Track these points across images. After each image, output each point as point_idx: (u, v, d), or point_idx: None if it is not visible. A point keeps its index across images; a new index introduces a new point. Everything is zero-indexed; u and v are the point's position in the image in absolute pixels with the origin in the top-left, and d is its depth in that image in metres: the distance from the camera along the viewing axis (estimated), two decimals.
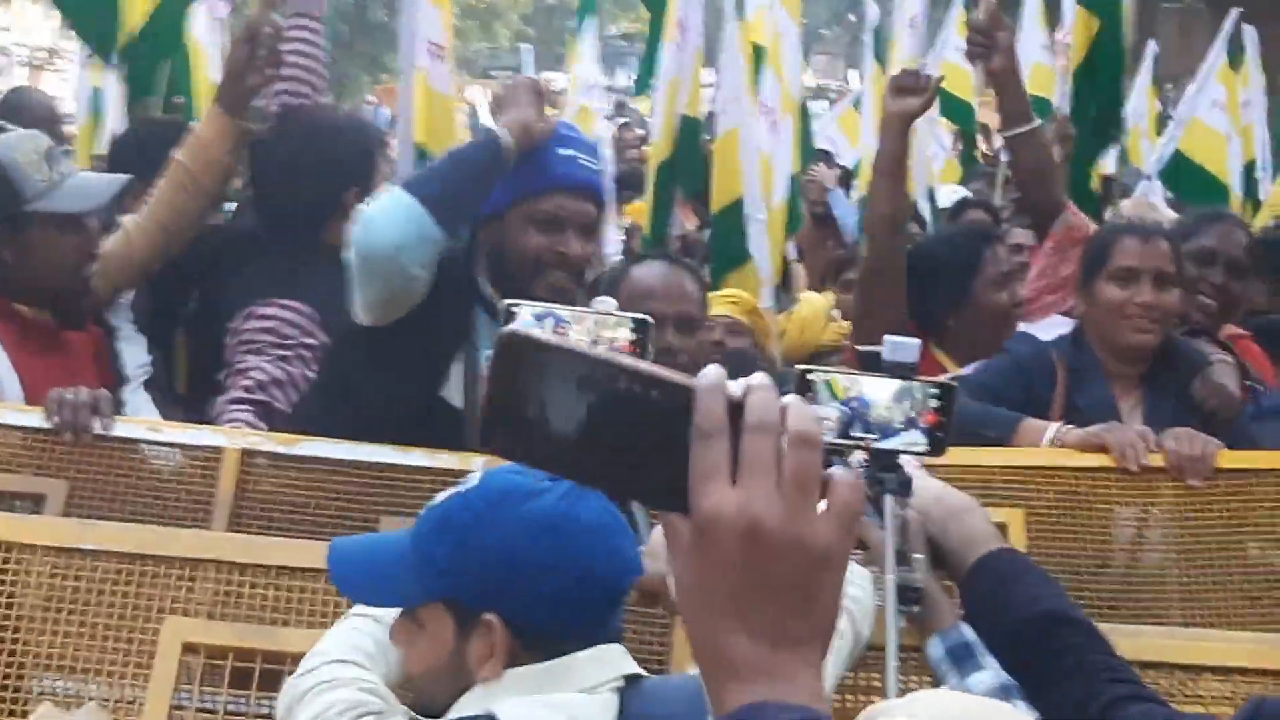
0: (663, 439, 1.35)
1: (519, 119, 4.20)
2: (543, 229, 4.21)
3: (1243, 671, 3.12)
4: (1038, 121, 5.53)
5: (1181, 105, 10.09)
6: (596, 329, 3.29)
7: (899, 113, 5.17)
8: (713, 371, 1.35)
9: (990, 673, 2.97)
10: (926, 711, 1.94)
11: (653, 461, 1.36)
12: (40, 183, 4.47)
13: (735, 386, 1.36)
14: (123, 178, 4.71)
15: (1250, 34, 11.34)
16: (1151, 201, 8.84)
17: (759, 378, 1.37)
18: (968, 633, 3.05)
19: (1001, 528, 4.06)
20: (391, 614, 2.75)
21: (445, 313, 4.16)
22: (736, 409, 1.36)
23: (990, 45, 5.20)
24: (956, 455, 4.43)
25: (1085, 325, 4.85)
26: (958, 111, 11.00)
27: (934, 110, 8.77)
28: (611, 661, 2.56)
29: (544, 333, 1.41)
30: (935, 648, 3.04)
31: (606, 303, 3.36)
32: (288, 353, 4.75)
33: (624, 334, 3.30)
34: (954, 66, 10.19)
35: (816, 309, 7.21)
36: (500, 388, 1.36)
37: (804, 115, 10.78)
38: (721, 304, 6.27)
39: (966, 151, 12.88)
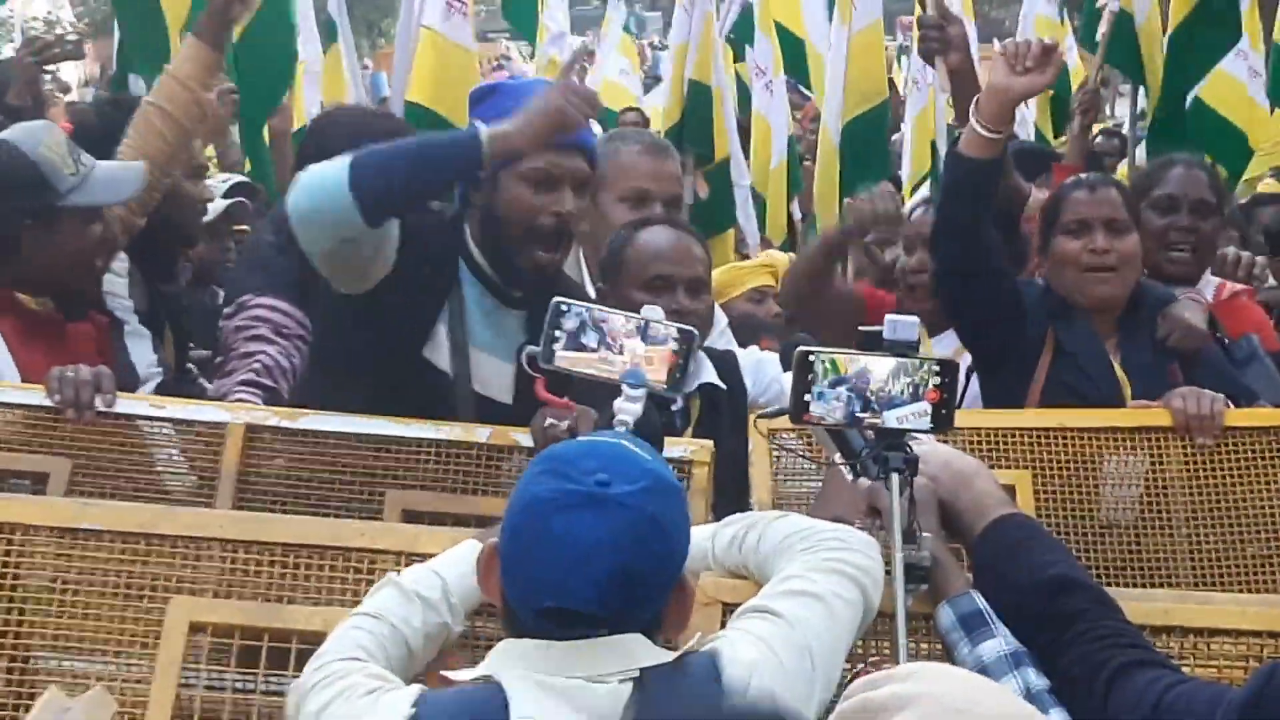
0: None
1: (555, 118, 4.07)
2: (536, 187, 4.18)
3: (1256, 634, 3.09)
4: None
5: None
6: (640, 338, 3.28)
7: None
8: None
9: (1001, 640, 2.97)
10: (918, 685, 1.94)
11: None
12: (70, 177, 4.46)
13: None
14: (143, 165, 4.66)
15: None
16: None
17: None
18: (979, 600, 3.04)
19: (1009, 490, 4.07)
20: (392, 608, 2.87)
21: (426, 274, 4.15)
22: None
23: (944, 41, 5.17)
24: (964, 418, 4.44)
25: (1053, 283, 4.88)
26: None
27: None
28: (628, 651, 2.57)
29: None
30: (946, 615, 3.04)
31: (655, 311, 3.35)
32: (287, 343, 4.73)
33: (670, 345, 3.29)
34: None
35: (780, 261, 7.20)
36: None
37: None
38: (762, 274, 6.25)
39: None
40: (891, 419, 3.12)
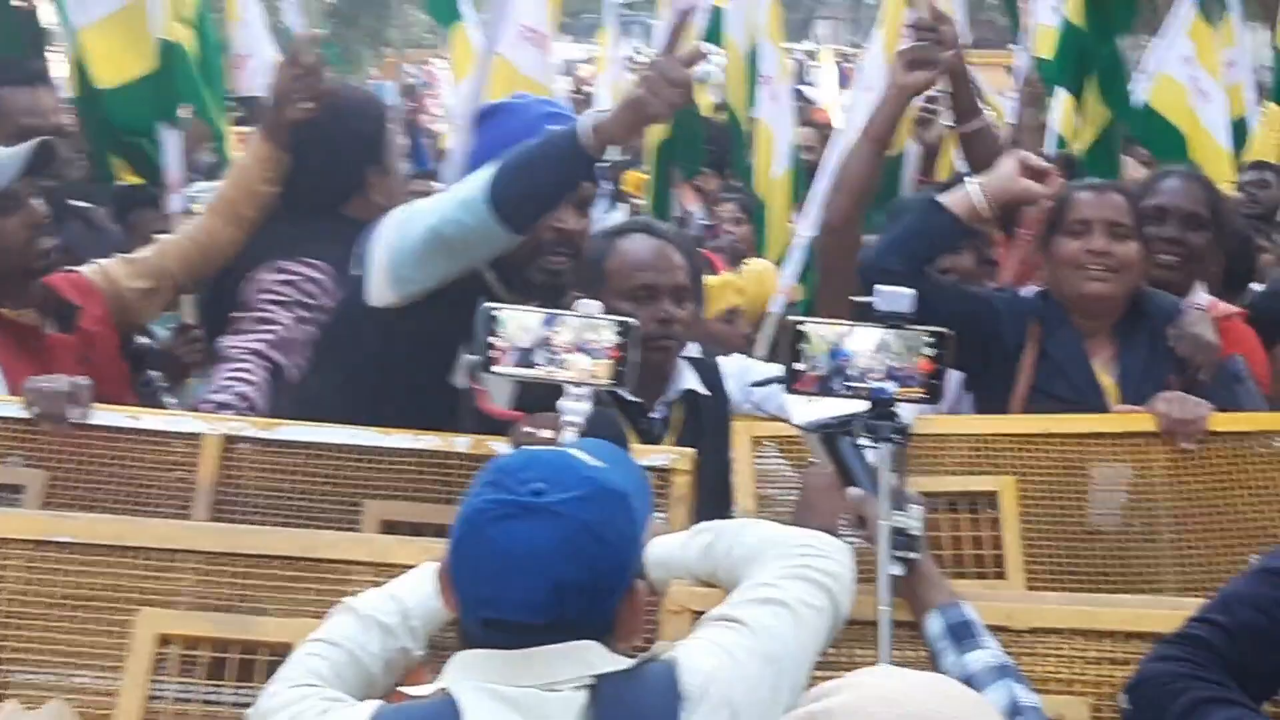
0: None
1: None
2: None
3: (1097, 634, 3.17)
4: (986, 118, 5.49)
5: (1149, 59, 10.00)
6: (581, 332, 3.30)
7: (906, 85, 5.10)
8: None
9: (989, 652, 2.98)
10: (871, 690, 1.96)
11: None
12: None
13: None
14: (26, 146, 4.62)
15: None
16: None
17: None
18: (968, 611, 3.05)
19: (992, 495, 4.07)
20: (348, 634, 2.87)
21: (455, 300, 4.11)
22: None
23: (939, 42, 5.15)
24: (949, 424, 4.45)
25: (1050, 284, 4.85)
26: None
27: None
28: (582, 659, 2.56)
29: None
30: (934, 624, 3.05)
31: (591, 305, 3.36)
32: (306, 313, 4.72)
33: (609, 336, 3.31)
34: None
35: (770, 265, 7.20)
36: None
37: None
38: (730, 294, 6.24)
39: None
40: (883, 389, 3.15)
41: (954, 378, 5.03)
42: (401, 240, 4.06)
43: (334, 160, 4.89)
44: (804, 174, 9.93)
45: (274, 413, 4.41)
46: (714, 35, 10.70)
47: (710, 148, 10.32)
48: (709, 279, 6.02)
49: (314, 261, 4.75)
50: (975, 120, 5.34)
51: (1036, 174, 4.62)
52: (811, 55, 27.53)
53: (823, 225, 5.43)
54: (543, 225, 4.16)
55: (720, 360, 4.67)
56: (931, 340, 3.22)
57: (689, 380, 4.47)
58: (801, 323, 3.25)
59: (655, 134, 8.55)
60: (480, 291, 4.10)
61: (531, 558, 2.53)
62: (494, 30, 6.42)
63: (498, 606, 2.55)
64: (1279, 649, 2.64)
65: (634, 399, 4.32)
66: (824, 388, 3.25)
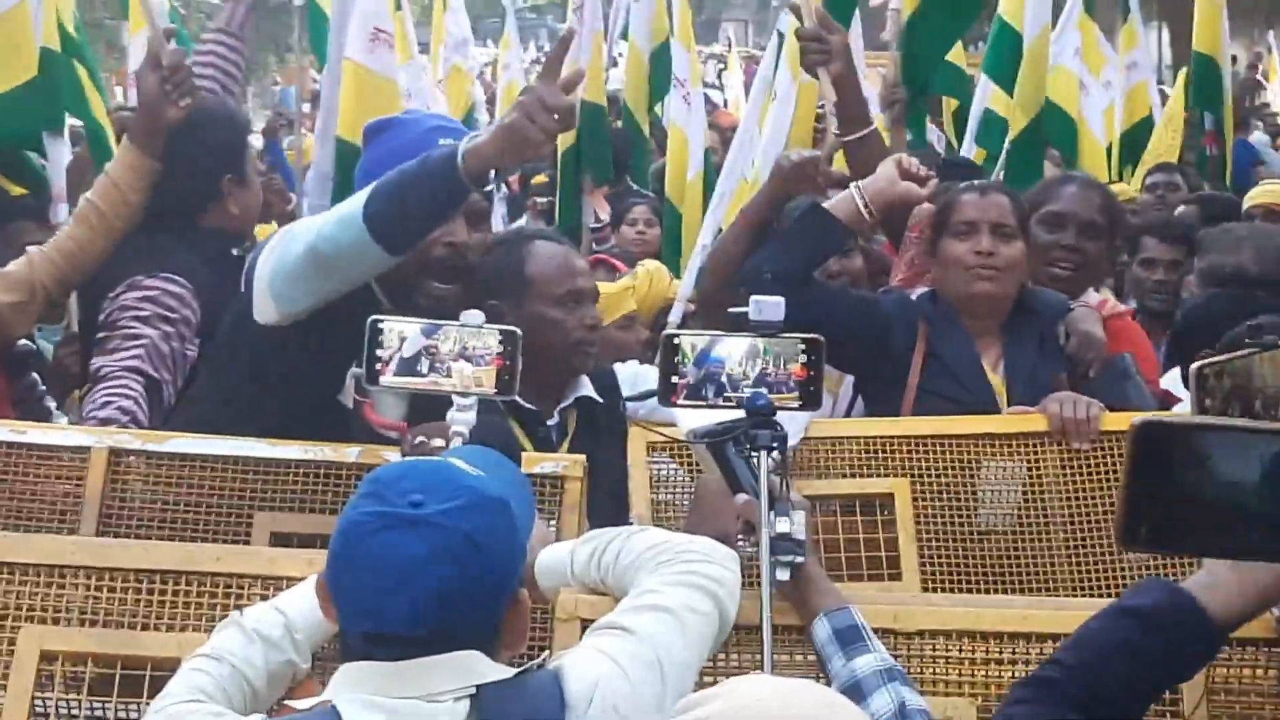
0: None
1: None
2: None
3: (984, 636, 3.17)
4: (873, 125, 5.51)
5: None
6: (464, 340, 3.29)
7: (788, 183, 4.96)
8: None
9: (876, 656, 3.00)
10: (742, 698, 1.95)
11: None
12: None
13: None
14: None
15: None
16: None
17: None
18: (855, 615, 3.06)
19: (887, 497, 4.08)
20: (232, 649, 2.85)
21: (341, 318, 4.07)
22: None
23: (827, 51, 5.16)
24: (842, 427, 4.46)
25: (938, 285, 4.88)
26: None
27: None
28: (464, 669, 2.55)
29: (1186, 415, 1.45)
30: (821, 629, 3.06)
31: (474, 315, 3.35)
32: (170, 329, 4.67)
33: (492, 344, 3.31)
34: None
35: (660, 265, 7.18)
36: (1141, 481, 1.37)
37: None
38: (627, 299, 6.20)
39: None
40: (760, 397, 3.17)
41: (848, 382, 5.06)
42: (283, 258, 4.02)
43: (192, 169, 4.85)
44: (715, 177, 9.97)
45: (157, 429, 4.36)
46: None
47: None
48: (607, 285, 6.01)
49: (172, 276, 4.71)
50: (861, 128, 5.35)
51: (915, 177, 4.68)
52: (719, 58, 27.57)
53: (697, 294, 5.43)
54: (433, 241, 4.13)
55: (616, 367, 4.67)
56: (804, 347, 3.24)
57: (585, 387, 4.46)
58: (675, 335, 3.26)
59: (563, 141, 8.53)
60: (370, 307, 4.08)
61: (411, 570, 2.51)
62: (342, 35, 6.41)
63: (378, 619, 2.53)
64: (1129, 691, 2.62)
65: (530, 406, 4.31)
66: (693, 394, 3.26)
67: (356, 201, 3.88)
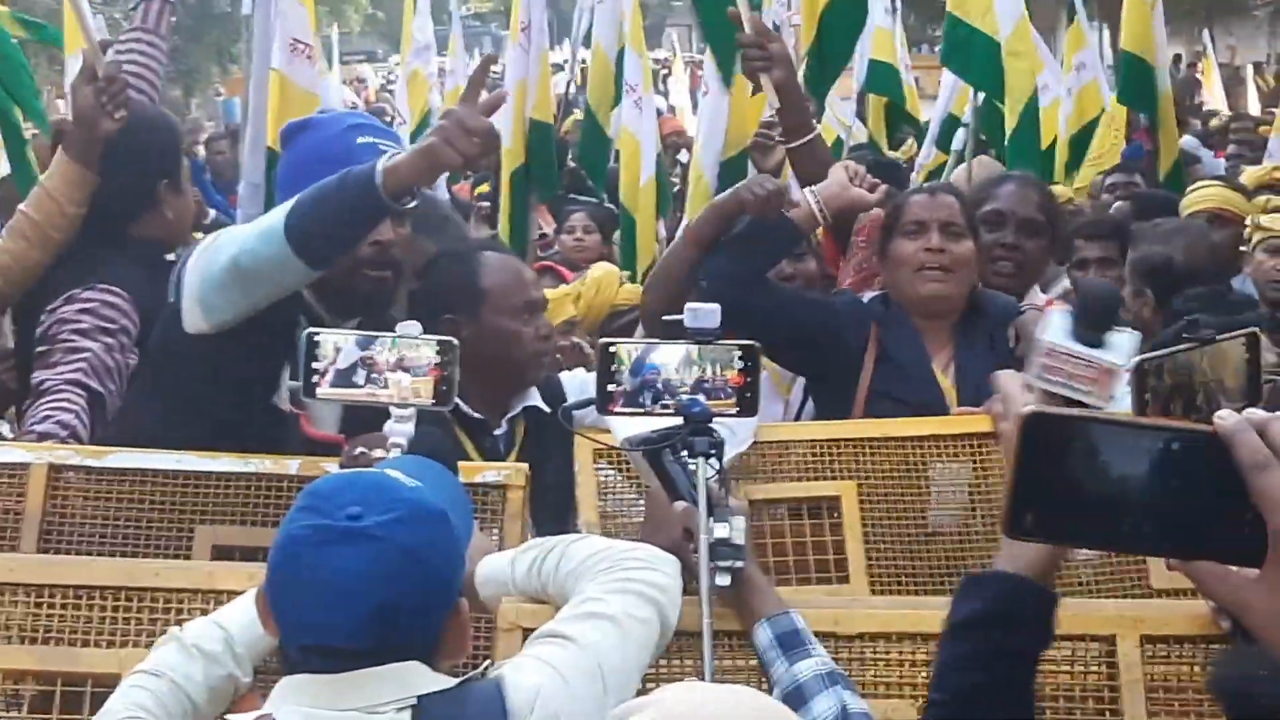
0: (1192, 488, 1.42)
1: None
2: None
3: (1080, 638, 3.15)
4: (816, 130, 5.52)
5: None
6: (401, 351, 3.28)
7: (739, 202, 4.90)
8: (1230, 414, 1.44)
9: (818, 660, 3.00)
10: (673, 705, 1.95)
11: (1192, 514, 1.43)
12: None
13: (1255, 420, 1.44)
14: None
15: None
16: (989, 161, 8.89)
17: (1270, 417, 1.45)
18: (797, 619, 3.06)
19: (834, 500, 4.08)
20: (172, 664, 2.85)
21: (273, 321, 4.06)
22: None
23: (768, 58, 5.17)
24: (789, 430, 4.46)
25: (889, 287, 4.89)
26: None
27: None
28: (404, 681, 2.55)
29: (1069, 409, 1.47)
30: (763, 633, 3.06)
31: (411, 326, 3.34)
32: (111, 340, 4.64)
33: (428, 354, 3.30)
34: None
35: (610, 271, 7.19)
36: (1028, 470, 1.38)
37: None
38: (568, 304, 6.20)
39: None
40: (696, 403, 3.16)
41: (799, 385, 5.07)
42: (208, 268, 3.99)
43: (127, 175, 4.82)
44: (668, 181, 9.97)
45: (98, 443, 4.33)
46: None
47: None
48: (550, 291, 6.02)
49: (110, 287, 4.68)
50: (804, 134, 5.35)
51: (863, 184, 4.74)
52: (664, 64, 27.59)
53: (641, 310, 5.41)
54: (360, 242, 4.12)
55: (564, 377, 4.66)
56: (740, 354, 3.24)
57: (533, 397, 4.46)
58: (612, 343, 3.26)
59: (511, 160, 8.52)
60: (301, 313, 4.06)
61: (351, 583, 2.51)
62: (266, 46, 6.39)
63: (319, 633, 2.53)
64: (1007, 691, 2.61)
65: (477, 416, 4.31)
66: (631, 402, 3.26)
67: (278, 215, 3.85)
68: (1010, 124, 8.61)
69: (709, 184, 7.01)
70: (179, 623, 3.02)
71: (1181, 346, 2.91)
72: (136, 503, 4.02)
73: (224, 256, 3.93)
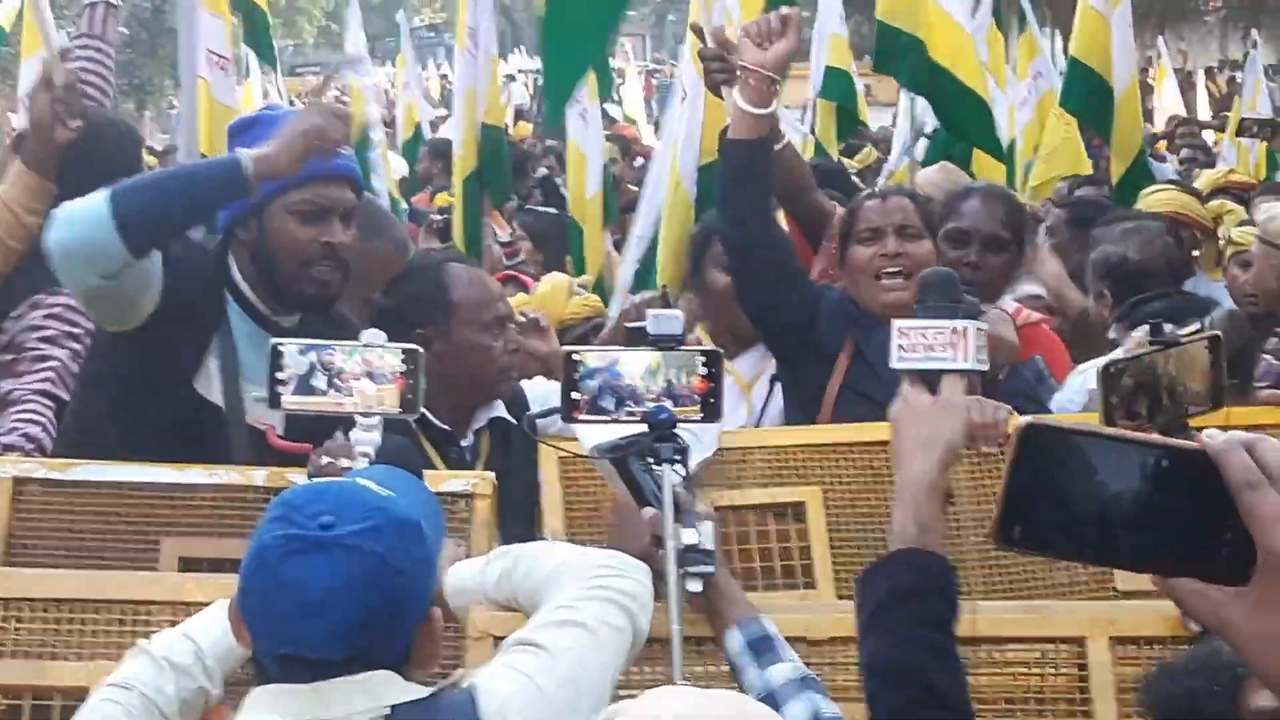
0: (1178, 504, 1.43)
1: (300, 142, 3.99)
2: (305, 220, 4.17)
3: (1021, 640, 3.20)
4: (786, 139, 5.52)
5: None
6: (367, 360, 3.28)
7: None
8: (1218, 432, 1.44)
9: (790, 665, 3.00)
10: (661, 710, 1.94)
11: (1177, 530, 1.43)
12: None
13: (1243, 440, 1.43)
14: None
15: (1027, 6, 11.40)
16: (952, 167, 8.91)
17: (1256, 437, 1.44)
18: (768, 625, 3.06)
19: (799, 506, 4.08)
20: (142, 677, 2.82)
21: (191, 308, 4.09)
22: None
23: (730, 70, 5.20)
24: (754, 436, 4.46)
25: (852, 295, 4.87)
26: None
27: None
28: (376, 690, 2.54)
29: (1065, 419, 1.48)
30: (734, 639, 3.06)
31: (376, 335, 3.34)
32: (77, 346, 4.65)
33: (394, 363, 3.29)
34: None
35: (558, 284, 7.18)
36: (1020, 481, 1.39)
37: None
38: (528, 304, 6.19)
39: None
40: (661, 410, 3.16)
41: (762, 381, 5.07)
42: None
43: (88, 179, 4.76)
44: (614, 191, 9.95)
45: (58, 453, 4.31)
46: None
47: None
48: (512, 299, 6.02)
49: (69, 302, 4.67)
50: (775, 143, 5.36)
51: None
52: (618, 72, 27.62)
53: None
54: (309, 240, 4.16)
55: (525, 386, 4.66)
56: (704, 360, 3.24)
57: (498, 409, 4.47)
58: (576, 351, 3.27)
59: (464, 166, 8.50)
60: (216, 306, 4.07)
61: (327, 593, 2.50)
62: (191, 56, 6.40)
63: (295, 643, 2.52)
64: (934, 666, 2.65)
65: (444, 427, 4.31)
66: (595, 409, 3.25)
67: (97, 198, 3.87)
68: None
69: (688, 191, 7.00)
70: (148, 635, 3.00)
71: (1146, 349, 2.93)
72: (101, 515, 4.00)
73: (52, 237, 3.96)
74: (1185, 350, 2.97)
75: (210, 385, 4.15)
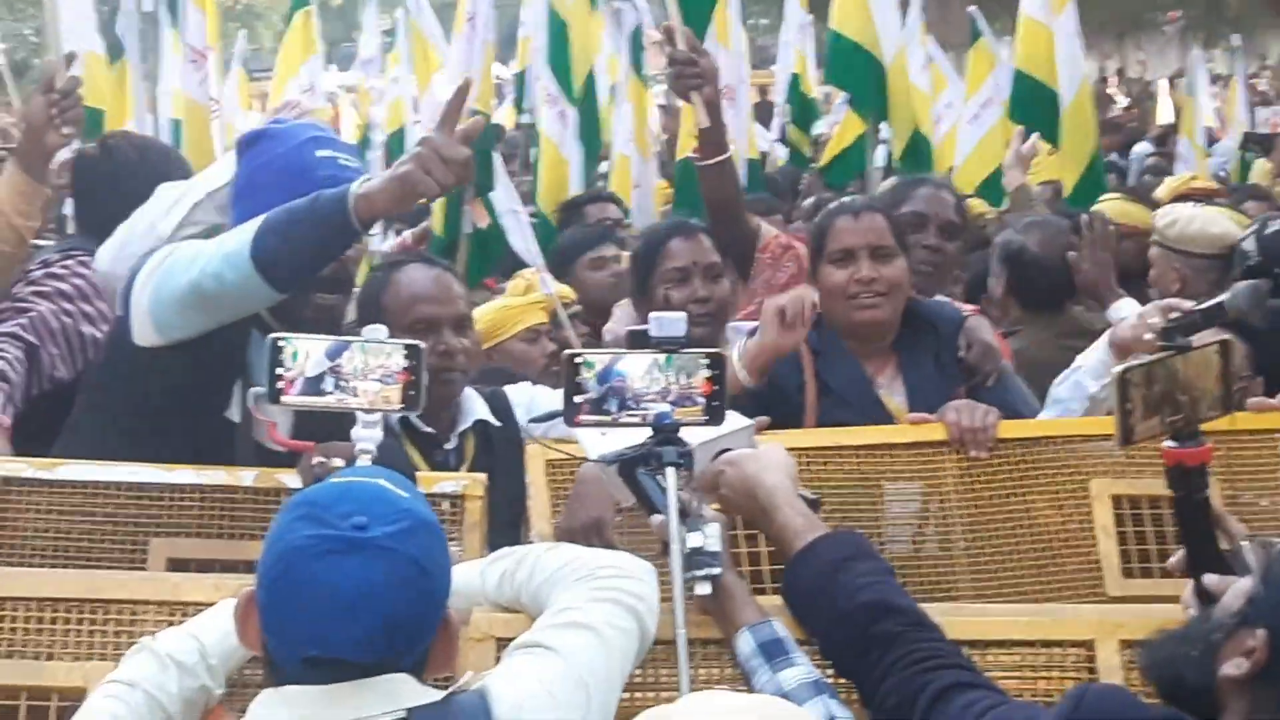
0: None
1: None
2: None
3: (1029, 644, 3.16)
4: (732, 150, 5.53)
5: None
6: (368, 356, 3.25)
7: None
8: None
9: (802, 668, 2.98)
10: (698, 712, 1.93)
11: None
12: None
13: None
14: None
15: (977, 14, 11.39)
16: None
17: None
18: (780, 628, 3.05)
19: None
20: (146, 675, 2.81)
21: (228, 334, 4.02)
22: None
23: (699, 75, 5.18)
24: None
25: (823, 313, 4.77)
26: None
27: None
28: (394, 692, 2.53)
29: None
30: (746, 642, 3.04)
31: (378, 330, 3.31)
32: (69, 305, 4.61)
33: (398, 360, 3.27)
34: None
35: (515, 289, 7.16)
36: None
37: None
38: (535, 312, 6.11)
39: None
40: (665, 414, 3.14)
41: None
42: (161, 288, 3.94)
43: (115, 202, 4.71)
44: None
45: (48, 442, 4.32)
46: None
47: None
48: (510, 299, 5.99)
49: (85, 259, 4.64)
50: (720, 153, 5.35)
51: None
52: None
53: None
54: None
55: (508, 390, 4.62)
56: (708, 362, 3.22)
57: (480, 411, 4.44)
58: (578, 354, 3.24)
59: None
60: (253, 323, 4.02)
61: (364, 595, 2.49)
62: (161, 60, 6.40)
63: (326, 645, 2.50)
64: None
65: (428, 430, 4.29)
66: (597, 410, 3.22)
67: (243, 238, 3.81)
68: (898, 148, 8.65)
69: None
70: (144, 635, 2.97)
71: (1161, 355, 2.93)
72: (88, 516, 3.98)
73: (183, 279, 3.90)
74: (1199, 354, 2.97)
75: (233, 408, 4.11)
